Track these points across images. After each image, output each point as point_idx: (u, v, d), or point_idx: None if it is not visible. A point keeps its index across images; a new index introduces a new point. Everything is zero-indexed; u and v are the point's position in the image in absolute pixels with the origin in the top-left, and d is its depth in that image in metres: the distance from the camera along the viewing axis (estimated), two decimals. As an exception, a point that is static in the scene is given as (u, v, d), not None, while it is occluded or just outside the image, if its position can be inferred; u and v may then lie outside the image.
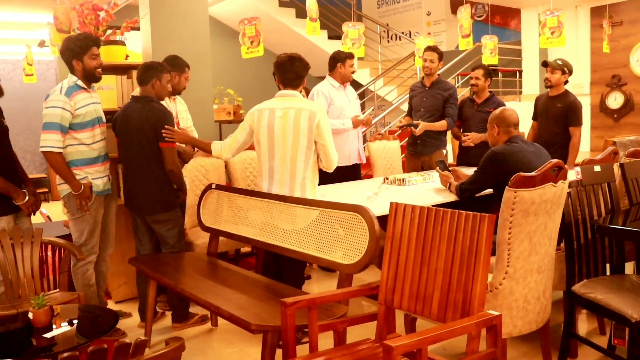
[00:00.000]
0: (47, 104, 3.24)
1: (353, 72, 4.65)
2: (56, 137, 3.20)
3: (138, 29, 4.54)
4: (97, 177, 3.40)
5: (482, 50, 6.28)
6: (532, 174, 2.46)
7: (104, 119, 3.51)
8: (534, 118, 4.87)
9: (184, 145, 3.79)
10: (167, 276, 3.06)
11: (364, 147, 4.94)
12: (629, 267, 3.36)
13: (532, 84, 8.13)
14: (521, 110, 3.92)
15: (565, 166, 2.60)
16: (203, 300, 2.67)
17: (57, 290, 3.28)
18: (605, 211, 3.07)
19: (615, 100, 7.71)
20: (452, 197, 3.50)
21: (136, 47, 4.72)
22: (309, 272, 4.62)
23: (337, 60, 4.55)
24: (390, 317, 2.38)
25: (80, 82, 3.32)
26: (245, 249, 4.84)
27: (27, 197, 3.25)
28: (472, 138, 4.71)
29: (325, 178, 4.06)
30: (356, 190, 3.98)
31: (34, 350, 2.30)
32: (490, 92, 4.89)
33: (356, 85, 6.80)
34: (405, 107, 6.23)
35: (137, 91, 3.57)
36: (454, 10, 9.16)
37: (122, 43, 4.10)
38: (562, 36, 5.06)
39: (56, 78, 9.65)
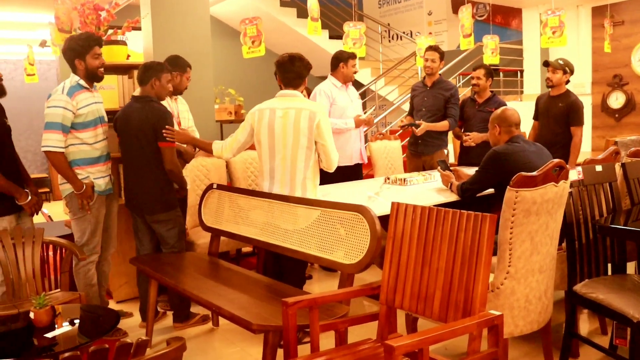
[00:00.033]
0: (49, 103, 3.24)
1: (355, 72, 4.65)
2: (58, 136, 3.21)
3: (139, 28, 4.54)
4: (99, 177, 3.40)
5: (484, 50, 6.27)
6: (534, 173, 2.46)
7: (106, 118, 3.51)
8: (535, 118, 4.87)
9: (185, 145, 3.80)
10: (168, 276, 3.06)
11: (365, 147, 4.94)
12: (631, 267, 3.36)
13: (533, 83, 8.12)
14: (522, 110, 3.91)
15: (567, 166, 2.60)
16: (204, 300, 2.67)
17: (59, 290, 3.28)
18: (607, 211, 3.06)
19: (616, 100, 7.70)
20: (453, 197, 3.50)
21: (137, 47, 4.72)
22: (310, 271, 4.62)
23: (340, 60, 4.55)
24: (391, 317, 2.38)
25: (82, 82, 3.33)
26: (247, 249, 4.84)
27: (29, 197, 3.25)
28: (473, 138, 4.71)
29: (328, 178, 4.06)
30: (357, 190, 3.98)
31: (35, 350, 2.30)
32: (491, 91, 4.89)
33: (357, 85, 6.79)
34: (406, 107, 6.23)
35: (138, 91, 3.57)
36: (455, 10, 9.15)
37: (124, 43, 4.11)
38: (564, 36, 5.06)
39: (57, 78, 9.65)
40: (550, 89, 4.69)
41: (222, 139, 4.59)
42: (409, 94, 5.25)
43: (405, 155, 5.30)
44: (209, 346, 3.36)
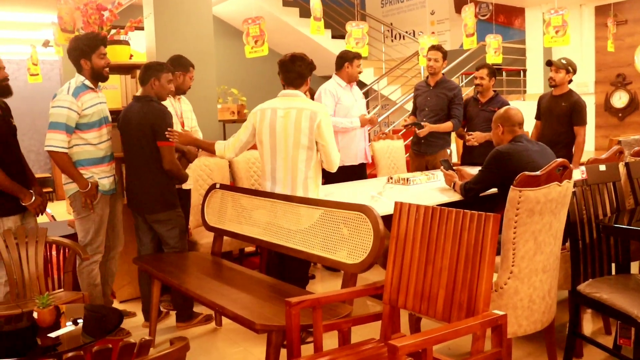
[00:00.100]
0: (54, 103, 3.24)
1: (360, 72, 4.64)
2: (61, 137, 3.21)
3: (142, 28, 4.55)
4: (103, 177, 3.40)
5: (486, 50, 6.25)
6: (537, 173, 2.45)
7: (110, 118, 3.52)
8: (537, 117, 4.86)
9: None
10: (171, 276, 3.06)
11: (368, 147, 4.94)
12: (635, 267, 3.35)
13: (536, 83, 8.11)
14: (525, 110, 3.90)
15: (570, 165, 2.59)
16: (207, 300, 2.67)
17: (62, 289, 3.29)
18: (611, 210, 3.05)
19: (620, 99, 7.68)
20: (456, 197, 3.49)
21: (140, 46, 4.72)
22: (313, 271, 4.62)
23: (345, 59, 4.55)
24: (395, 316, 2.38)
25: (87, 82, 3.33)
26: (250, 249, 4.84)
27: (33, 198, 3.26)
28: (476, 137, 4.70)
29: (333, 177, 4.06)
30: (360, 190, 3.98)
31: (38, 350, 2.30)
32: (494, 91, 4.88)
33: (360, 84, 6.79)
34: (409, 106, 6.22)
35: (139, 91, 3.58)
36: (457, 10, 9.14)
37: (126, 43, 4.11)
38: (567, 35, 5.04)
39: (60, 78, 9.67)
40: (553, 89, 4.68)
41: (224, 138, 4.59)
42: (412, 94, 5.24)
43: (408, 154, 5.30)
44: (212, 346, 3.36)
